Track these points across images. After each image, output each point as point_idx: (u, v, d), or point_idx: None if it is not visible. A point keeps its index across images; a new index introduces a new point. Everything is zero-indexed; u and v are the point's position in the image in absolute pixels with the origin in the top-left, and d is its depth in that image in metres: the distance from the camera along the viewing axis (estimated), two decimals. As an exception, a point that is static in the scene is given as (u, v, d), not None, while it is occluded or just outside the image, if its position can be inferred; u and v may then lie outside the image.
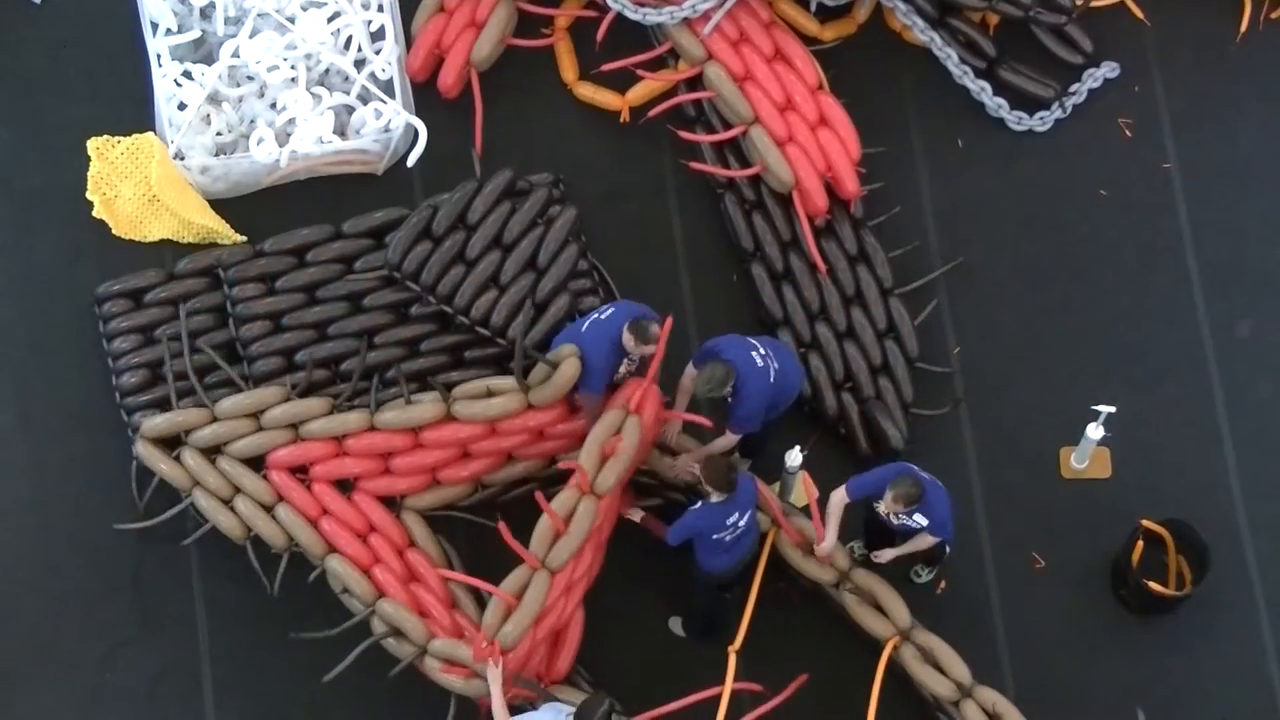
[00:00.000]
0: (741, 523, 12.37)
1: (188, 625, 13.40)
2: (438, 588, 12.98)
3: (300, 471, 13.12)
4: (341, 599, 12.99)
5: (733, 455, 12.97)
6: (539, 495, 12.44)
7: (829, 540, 12.69)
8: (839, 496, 12.53)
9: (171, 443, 13.21)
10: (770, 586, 13.00)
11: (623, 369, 12.75)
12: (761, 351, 12.63)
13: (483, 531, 13.15)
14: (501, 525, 12.33)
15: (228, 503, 13.07)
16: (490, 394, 12.85)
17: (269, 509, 13.04)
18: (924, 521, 12.43)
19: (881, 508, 12.45)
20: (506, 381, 12.85)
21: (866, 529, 13.06)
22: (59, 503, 13.53)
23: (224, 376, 13.30)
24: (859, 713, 12.70)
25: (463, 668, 12.58)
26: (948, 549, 12.99)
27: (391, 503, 13.18)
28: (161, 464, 13.10)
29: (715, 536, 12.36)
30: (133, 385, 13.43)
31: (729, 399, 12.63)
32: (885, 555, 12.78)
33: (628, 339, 12.53)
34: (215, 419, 13.11)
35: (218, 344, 13.44)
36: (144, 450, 13.13)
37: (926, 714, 13.03)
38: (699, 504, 12.33)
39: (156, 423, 13.15)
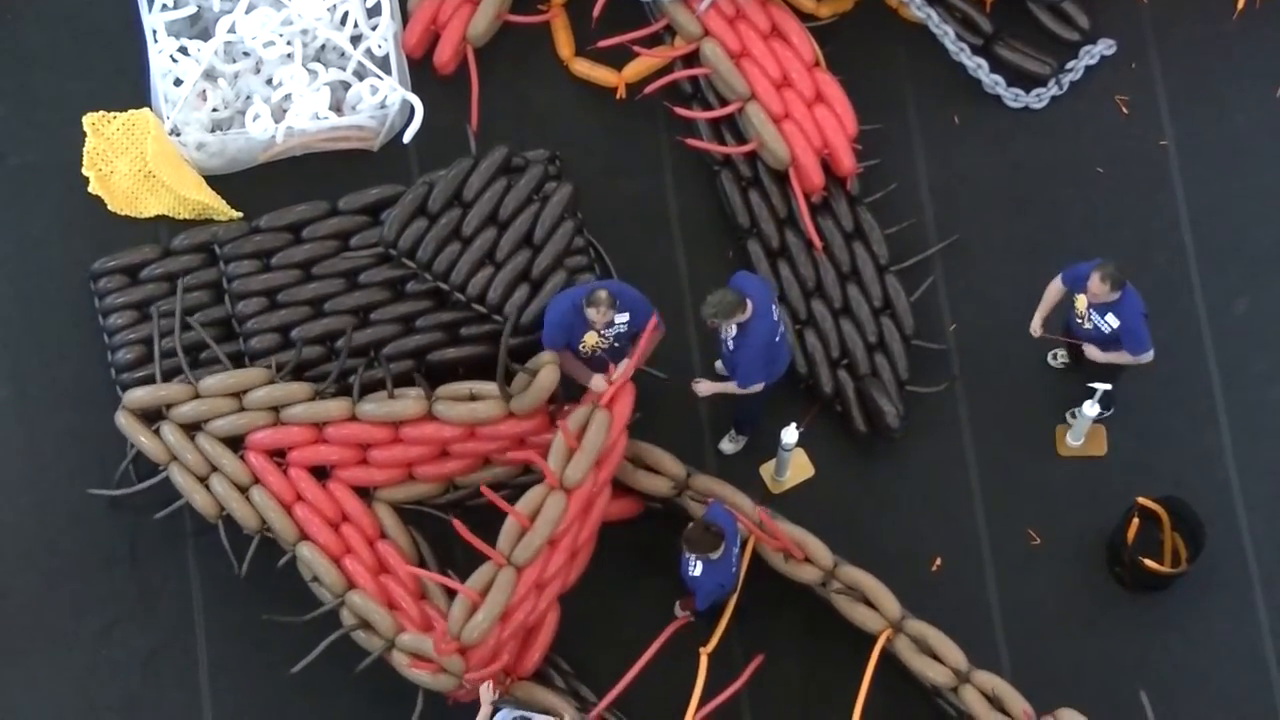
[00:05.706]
0: (734, 550, 12.61)
1: (183, 601, 13.41)
2: (407, 579, 12.95)
3: (278, 455, 13.10)
4: (310, 587, 12.95)
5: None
6: (484, 488, 12.43)
7: (1036, 321, 13.09)
8: (1055, 284, 12.94)
9: (153, 417, 13.18)
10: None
11: (594, 340, 12.71)
12: (776, 307, 12.74)
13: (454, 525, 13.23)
14: (457, 522, 12.34)
15: (204, 480, 13.05)
16: (473, 398, 12.85)
17: (244, 490, 13.02)
18: (1115, 323, 12.67)
19: (1080, 304, 12.74)
20: (490, 386, 12.82)
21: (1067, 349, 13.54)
22: (54, 478, 13.54)
23: (214, 355, 13.26)
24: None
25: (430, 662, 12.55)
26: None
27: (364, 493, 13.17)
28: (141, 436, 13.07)
29: (721, 583, 12.59)
30: (128, 361, 13.42)
31: (730, 342, 12.64)
32: (1095, 354, 12.96)
33: (586, 308, 12.55)
34: (198, 395, 13.09)
35: (213, 320, 13.44)
36: (124, 421, 13.09)
37: (927, 701, 13.05)
38: (699, 564, 12.40)
39: (139, 395, 13.11)
